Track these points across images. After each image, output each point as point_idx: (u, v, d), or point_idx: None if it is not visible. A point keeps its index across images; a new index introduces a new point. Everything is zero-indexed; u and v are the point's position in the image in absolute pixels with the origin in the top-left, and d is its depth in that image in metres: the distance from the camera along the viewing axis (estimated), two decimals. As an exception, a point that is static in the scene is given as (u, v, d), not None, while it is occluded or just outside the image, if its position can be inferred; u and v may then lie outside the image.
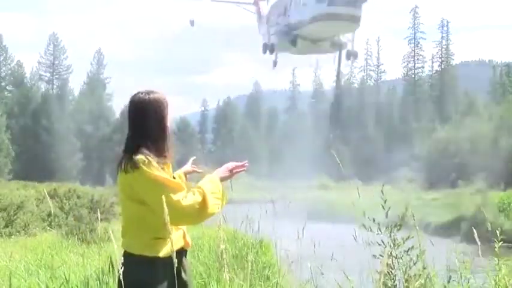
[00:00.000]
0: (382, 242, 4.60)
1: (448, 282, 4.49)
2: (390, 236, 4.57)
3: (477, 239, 4.71)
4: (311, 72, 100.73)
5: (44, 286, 6.84)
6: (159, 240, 3.29)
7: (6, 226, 18.07)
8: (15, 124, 72.64)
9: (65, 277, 6.64)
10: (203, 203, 3.31)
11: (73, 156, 75.30)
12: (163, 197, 3.16)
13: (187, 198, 3.28)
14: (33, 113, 75.67)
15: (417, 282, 4.47)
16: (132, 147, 3.38)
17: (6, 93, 79.53)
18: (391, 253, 4.56)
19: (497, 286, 4.45)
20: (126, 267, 3.21)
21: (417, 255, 4.55)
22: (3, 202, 18.90)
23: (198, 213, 3.30)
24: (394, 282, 4.53)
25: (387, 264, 4.49)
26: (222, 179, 3.55)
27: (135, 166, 3.29)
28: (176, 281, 3.36)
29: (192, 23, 38.88)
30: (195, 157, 4.12)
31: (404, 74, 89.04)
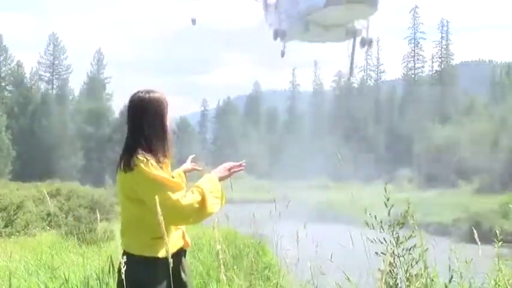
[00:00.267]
0: (384, 240, 4.60)
1: (450, 282, 4.48)
2: (392, 234, 4.57)
3: (477, 239, 4.71)
4: (311, 72, 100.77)
5: (44, 286, 6.84)
6: (159, 240, 3.28)
7: (6, 226, 18.07)
8: (15, 124, 72.64)
9: (65, 277, 6.64)
10: (202, 202, 3.30)
11: (73, 156, 75.31)
12: (162, 196, 3.15)
13: (186, 197, 3.27)
14: (33, 113, 75.68)
15: (418, 282, 4.46)
16: (131, 146, 3.37)
17: (6, 93, 79.49)
18: (393, 251, 4.56)
19: (497, 286, 4.44)
20: (125, 267, 3.20)
21: (419, 254, 4.54)
22: (3, 202, 18.89)
23: (198, 212, 3.30)
24: (396, 281, 4.52)
25: (389, 262, 4.49)
26: (221, 179, 3.55)
27: (134, 165, 3.29)
28: (176, 281, 3.35)
29: (193, 21, 38.23)
30: (194, 155, 4.11)
31: (404, 74, 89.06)
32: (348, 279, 4.98)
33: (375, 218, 4.63)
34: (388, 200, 4.65)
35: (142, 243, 3.31)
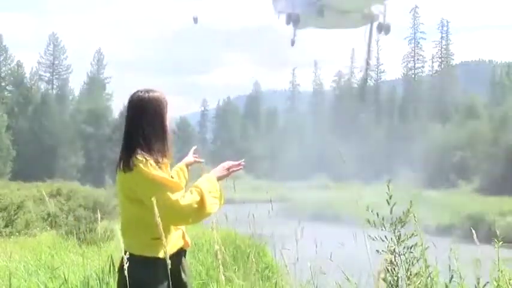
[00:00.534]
0: (386, 237, 4.59)
1: (450, 281, 4.48)
2: (394, 232, 4.56)
3: (476, 239, 4.71)
4: (311, 72, 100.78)
5: (44, 286, 6.83)
6: (159, 240, 3.28)
7: (7, 226, 18.06)
8: (15, 124, 72.65)
9: (65, 277, 6.63)
10: (201, 203, 3.30)
11: (73, 156, 75.32)
12: (161, 196, 3.15)
13: (185, 197, 3.26)
14: (33, 113, 75.68)
15: (419, 282, 4.46)
16: (131, 146, 3.36)
17: (6, 93, 79.49)
18: (394, 249, 4.56)
19: (497, 286, 4.44)
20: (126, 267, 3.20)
21: (420, 253, 4.54)
22: (4, 202, 18.88)
23: (197, 212, 3.29)
24: (396, 281, 4.52)
25: (390, 261, 4.49)
26: (219, 178, 3.54)
27: (133, 166, 3.28)
28: (176, 282, 3.34)
29: (195, 20, 37.62)
30: (196, 146, 4.09)
31: (404, 74, 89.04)
32: (348, 279, 4.98)
33: (377, 215, 4.63)
34: (390, 197, 4.65)
35: (142, 243, 3.31)
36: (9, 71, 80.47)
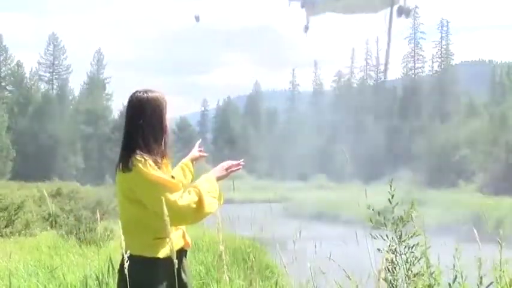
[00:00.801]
0: (387, 236, 4.58)
1: (453, 282, 4.46)
2: (395, 231, 4.55)
3: (477, 239, 4.70)
4: (311, 72, 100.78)
5: (43, 287, 6.82)
6: (159, 241, 3.27)
7: (7, 226, 18.05)
8: (15, 124, 72.67)
9: (64, 277, 6.62)
10: (199, 203, 3.28)
11: (73, 156, 75.33)
12: (159, 197, 3.14)
13: (183, 198, 3.24)
14: (33, 113, 75.69)
15: (420, 281, 4.45)
16: (130, 146, 3.35)
17: (6, 93, 79.51)
18: (395, 249, 4.55)
19: (498, 286, 4.43)
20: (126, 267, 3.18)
21: (421, 253, 4.53)
22: (4, 202, 18.87)
23: (195, 212, 3.27)
24: (396, 282, 4.51)
25: (391, 260, 4.49)
26: (219, 178, 3.52)
27: (132, 166, 3.27)
28: (176, 282, 3.33)
29: (197, 18, 37.23)
30: (200, 140, 4.08)
31: (404, 74, 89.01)
32: (349, 277, 4.96)
33: (378, 214, 4.62)
34: (392, 197, 4.63)
35: (142, 243, 3.29)
36: (9, 71, 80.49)
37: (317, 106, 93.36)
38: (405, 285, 4.50)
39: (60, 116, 75.84)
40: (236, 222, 8.48)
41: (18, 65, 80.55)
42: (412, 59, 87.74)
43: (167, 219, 3.01)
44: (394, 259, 4.56)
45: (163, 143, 3.41)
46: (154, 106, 3.40)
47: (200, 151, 3.92)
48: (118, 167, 3.34)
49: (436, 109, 77.98)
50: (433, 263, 4.56)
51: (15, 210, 18.73)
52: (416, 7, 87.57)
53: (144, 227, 3.28)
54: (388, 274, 4.49)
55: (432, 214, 30.52)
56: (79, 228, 14.94)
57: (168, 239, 3.22)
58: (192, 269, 6.21)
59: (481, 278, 4.35)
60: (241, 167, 3.65)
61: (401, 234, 4.55)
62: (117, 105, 78.64)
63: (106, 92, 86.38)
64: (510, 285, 4.35)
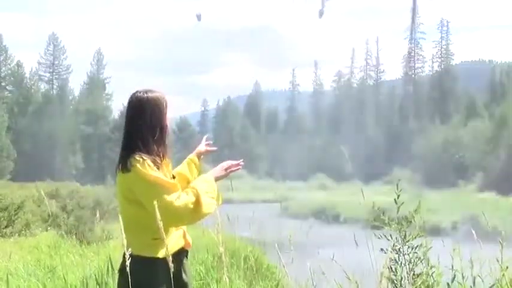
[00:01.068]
0: (391, 236, 4.58)
1: (452, 282, 4.46)
2: (399, 231, 4.55)
3: (477, 238, 4.70)
4: (311, 72, 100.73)
5: (43, 287, 6.82)
6: (158, 241, 3.26)
7: (7, 226, 18.04)
8: (15, 124, 72.70)
9: (64, 277, 6.62)
10: (197, 203, 3.26)
11: (72, 156, 75.34)
12: (156, 197, 3.13)
13: (180, 198, 3.23)
14: (33, 113, 75.73)
15: (421, 282, 4.45)
16: (129, 147, 3.34)
17: (6, 93, 79.53)
18: (399, 249, 4.55)
19: (498, 286, 4.43)
20: (125, 268, 3.18)
21: (423, 253, 4.53)
22: (4, 202, 18.86)
23: (192, 213, 3.26)
24: (400, 280, 4.51)
25: (395, 260, 4.49)
26: (217, 179, 3.50)
27: (131, 166, 3.26)
28: (176, 282, 3.32)
29: (198, 17, 37.19)
30: (208, 134, 4.04)
31: (404, 74, 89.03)
32: (349, 278, 4.96)
33: (383, 213, 4.61)
34: (398, 197, 4.63)
35: (141, 243, 3.28)
36: (9, 71, 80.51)
37: (317, 106, 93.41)
38: (408, 285, 4.50)
39: (60, 116, 75.86)
40: (236, 222, 8.47)
41: (18, 65, 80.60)
42: (412, 59, 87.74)
43: (160, 222, 2.99)
44: (397, 259, 4.56)
45: (163, 143, 3.40)
46: (154, 106, 3.39)
47: (208, 145, 3.90)
48: (118, 168, 3.34)
49: (435, 109, 78.01)
50: (433, 263, 4.57)
51: (15, 211, 18.71)
52: (416, 6, 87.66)
53: (144, 227, 3.27)
54: (391, 274, 4.49)
55: (432, 214, 30.54)
56: (79, 228, 14.94)
57: (167, 240, 3.22)
58: (192, 269, 6.20)
59: (474, 278, 4.35)
60: (240, 167, 3.63)
61: (406, 234, 4.55)
62: (117, 105, 78.67)
63: (106, 92, 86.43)
64: (510, 285, 4.35)
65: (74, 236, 14.70)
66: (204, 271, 7.77)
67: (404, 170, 61.67)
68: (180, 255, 3.41)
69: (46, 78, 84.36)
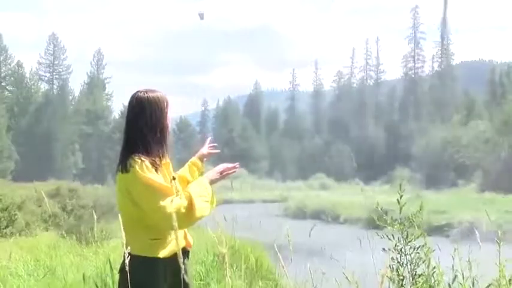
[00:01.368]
0: (393, 236, 4.57)
1: (453, 282, 4.46)
2: (402, 232, 4.55)
3: (478, 239, 4.69)
4: (311, 72, 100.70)
5: (43, 287, 6.82)
6: (158, 241, 3.26)
7: (7, 226, 18.04)
8: (15, 124, 72.70)
9: (64, 278, 6.62)
10: (190, 207, 3.25)
11: (72, 156, 75.35)
12: (150, 200, 3.13)
13: (173, 202, 3.21)
14: (33, 113, 75.73)
15: (422, 282, 4.45)
16: (129, 147, 3.34)
17: (6, 93, 79.51)
18: (401, 249, 4.54)
19: (499, 286, 4.43)
20: (125, 267, 3.17)
21: (425, 253, 4.53)
22: (4, 202, 18.86)
23: (185, 217, 3.24)
24: (402, 280, 4.51)
25: (397, 260, 4.49)
26: (212, 182, 3.48)
27: (130, 167, 3.25)
28: (177, 282, 3.32)
29: (201, 16, 37.02)
30: (211, 138, 4.04)
31: (404, 74, 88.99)
32: (348, 279, 4.96)
33: (385, 214, 4.61)
34: (401, 197, 4.63)
35: (141, 243, 3.28)
36: (9, 71, 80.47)
37: (317, 106, 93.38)
38: (408, 285, 4.50)
39: (60, 116, 75.85)
40: (236, 222, 8.47)
41: (18, 65, 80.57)
42: (412, 59, 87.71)
43: (152, 223, 2.99)
44: (399, 259, 4.56)
45: (164, 144, 3.39)
46: (154, 106, 3.38)
47: (211, 147, 3.89)
48: (117, 168, 3.34)
49: (435, 109, 77.99)
50: (434, 263, 4.57)
51: (15, 211, 18.72)
52: (416, 6, 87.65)
53: (143, 227, 3.27)
54: (393, 273, 4.50)
55: (432, 214, 30.51)
56: (79, 228, 14.94)
57: (169, 238, 3.22)
58: (192, 269, 6.20)
59: (474, 278, 4.35)
60: (236, 170, 3.62)
61: (408, 234, 4.55)
62: (117, 105, 78.76)
63: (106, 92, 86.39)
64: (510, 285, 4.35)
65: (74, 236, 14.70)
66: (204, 271, 7.77)
67: (404, 170, 61.70)
68: (181, 255, 3.41)
69: (46, 78, 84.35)
